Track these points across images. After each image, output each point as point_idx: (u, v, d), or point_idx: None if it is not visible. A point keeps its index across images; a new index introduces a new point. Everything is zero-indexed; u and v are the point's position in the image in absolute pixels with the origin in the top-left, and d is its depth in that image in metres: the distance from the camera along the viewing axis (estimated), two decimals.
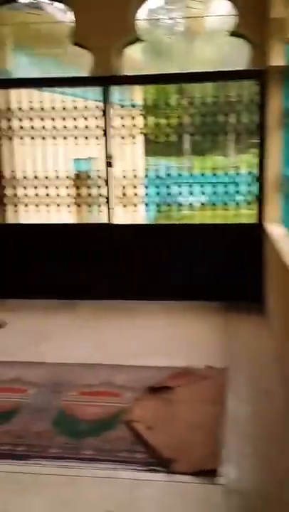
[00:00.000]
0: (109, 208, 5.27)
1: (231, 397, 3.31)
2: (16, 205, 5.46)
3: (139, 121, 5.20)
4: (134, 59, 5.31)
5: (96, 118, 5.17)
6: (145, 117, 5.21)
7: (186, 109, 5.09)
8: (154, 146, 5.59)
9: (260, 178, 5.00)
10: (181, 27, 5.88)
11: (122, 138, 5.20)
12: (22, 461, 2.70)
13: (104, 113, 5.14)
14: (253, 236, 5.00)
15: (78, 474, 2.60)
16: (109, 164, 5.21)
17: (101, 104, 5.15)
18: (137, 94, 5.47)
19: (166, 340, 4.30)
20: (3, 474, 2.61)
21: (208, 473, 2.55)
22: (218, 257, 5.04)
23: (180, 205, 5.31)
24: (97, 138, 5.20)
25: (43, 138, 5.28)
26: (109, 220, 5.30)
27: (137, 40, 5.09)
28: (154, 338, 4.36)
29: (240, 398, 3.31)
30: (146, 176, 5.31)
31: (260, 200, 5.03)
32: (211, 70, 5.23)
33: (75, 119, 5.21)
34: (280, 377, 3.52)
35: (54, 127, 5.26)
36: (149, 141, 5.29)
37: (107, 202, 5.28)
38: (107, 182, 5.26)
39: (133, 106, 5.21)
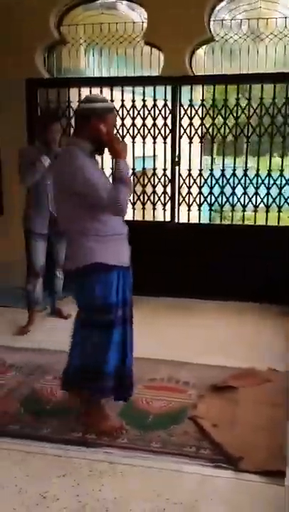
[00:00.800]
0: (173, 207, 5.34)
1: None
2: None
3: (204, 121, 5.25)
4: (200, 59, 5.33)
5: (165, 117, 5.24)
6: (210, 117, 5.23)
7: (250, 109, 5.08)
8: (217, 146, 5.59)
9: None
10: (250, 27, 5.81)
11: (189, 138, 5.25)
12: (92, 449, 2.81)
13: (173, 112, 5.20)
14: None
15: (146, 465, 2.69)
16: (176, 163, 5.28)
17: (169, 104, 5.21)
18: (200, 94, 5.49)
19: (226, 340, 4.33)
20: (70, 460, 2.73)
21: (274, 474, 2.58)
22: (278, 260, 5.01)
23: (242, 205, 5.32)
24: (165, 137, 5.27)
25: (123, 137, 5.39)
26: (172, 218, 5.36)
27: (210, 40, 5.13)
28: (214, 337, 4.40)
29: None
30: (211, 175, 5.33)
31: None
32: (283, 72, 5.18)
33: (144, 118, 5.30)
34: None
35: (123, 125, 5.37)
36: (212, 141, 5.29)
37: (172, 200, 5.35)
38: (172, 181, 5.33)
39: (192, 106, 5.23)
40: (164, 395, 3.39)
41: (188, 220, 5.45)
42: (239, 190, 5.30)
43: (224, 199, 5.34)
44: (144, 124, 5.34)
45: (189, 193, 5.37)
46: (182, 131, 5.28)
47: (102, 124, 2.80)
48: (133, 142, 5.38)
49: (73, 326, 3.06)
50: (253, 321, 4.82)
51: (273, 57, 5.57)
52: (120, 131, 5.38)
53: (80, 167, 2.72)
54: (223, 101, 5.17)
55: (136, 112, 5.34)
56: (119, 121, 5.34)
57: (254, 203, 5.25)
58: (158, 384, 3.55)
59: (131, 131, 5.39)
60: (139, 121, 5.35)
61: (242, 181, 5.26)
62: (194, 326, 4.69)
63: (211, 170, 5.31)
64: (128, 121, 5.37)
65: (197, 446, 2.83)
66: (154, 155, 5.48)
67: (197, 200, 5.39)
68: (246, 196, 5.26)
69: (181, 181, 5.37)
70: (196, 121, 5.23)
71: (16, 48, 5.28)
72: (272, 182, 5.18)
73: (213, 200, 5.35)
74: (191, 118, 5.21)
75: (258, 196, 5.21)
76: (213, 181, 5.32)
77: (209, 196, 5.35)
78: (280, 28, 5.20)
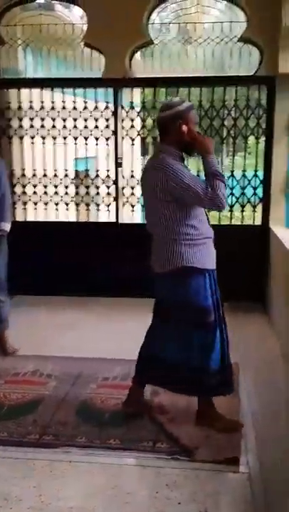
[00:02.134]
0: (117, 208, 5.40)
1: (243, 392, 3.47)
2: (25, 204, 5.57)
3: (138, 122, 5.35)
4: (136, 61, 5.44)
5: (107, 120, 5.30)
6: (144, 119, 5.34)
7: None
8: (151, 148, 5.69)
9: (266, 181, 5.15)
10: (183, 30, 6.01)
11: (132, 139, 5.33)
12: (51, 450, 2.82)
13: (115, 114, 5.26)
14: (256, 238, 5.15)
15: (105, 462, 2.74)
16: (119, 164, 5.34)
17: (111, 106, 5.28)
18: (134, 96, 5.60)
19: None
20: (30, 462, 2.73)
21: (230, 462, 2.70)
22: (222, 259, 5.15)
23: None
24: (107, 139, 5.33)
25: (53, 137, 5.40)
26: (117, 219, 5.42)
27: (148, 43, 5.23)
28: None
29: (251, 392, 3.47)
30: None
31: (265, 202, 5.18)
32: (222, 75, 5.36)
33: (86, 119, 5.34)
34: (288, 372, 3.69)
35: (64, 127, 5.38)
36: (147, 142, 5.39)
37: (116, 201, 5.41)
38: (115, 182, 5.39)
39: (132, 108, 5.33)
40: (119, 392, 3.44)
41: (132, 221, 5.53)
42: None
43: None
44: (86, 126, 5.37)
45: (132, 194, 5.44)
46: (124, 132, 5.35)
47: (188, 124, 2.87)
48: (75, 144, 5.41)
49: (156, 327, 3.18)
50: None
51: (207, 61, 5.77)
52: (61, 132, 5.39)
53: (174, 171, 2.78)
54: (152, 103, 5.27)
55: (78, 114, 5.35)
56: (60, 123, 5.35)
57: None
58: (112, 382, 3.60)
59: (73, 132, 5.39)
60: (80, 123, 5.37)
61: None
62: (148, 324, 4.75)
63: None
64: (70, 123, 5.38)
65: (154, 440, 2.90)
66: (97, 156, 5.53)
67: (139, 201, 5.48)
68: None
69: (124, 182, 5.44)
70: (138, 123, 5.32)
71: None
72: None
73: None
74: (132, 120, 5.28)
75: None
76: None
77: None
78: (212, 32, 5.38)
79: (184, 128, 2.86)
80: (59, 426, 3.04)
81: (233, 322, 4.70)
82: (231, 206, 5.29)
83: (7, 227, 4.04)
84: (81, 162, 5.72)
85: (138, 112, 5.33)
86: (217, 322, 2.99)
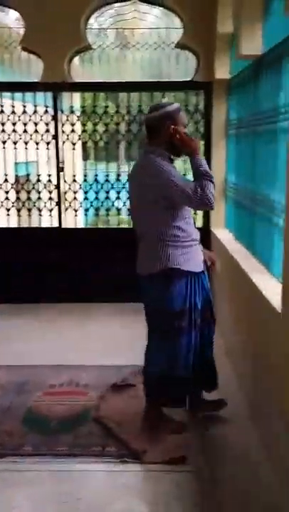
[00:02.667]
0: (60, 212, 5.37)
1: None
2: None
3: (78, 126, 5.34)
4: (75, 66, 5.46)
5: (47, 124, 5.26)
6: (84, 123, 5.34)
7: (122, 116, 5.27)
8: (92, 152, 5.69)
9: None
10: (121, 36, 6.08)
11: (73, 143, 5.31)
12: None
13: (55, 118, 5.23)
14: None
15: (54, 469, 2.71)
16: (61, 169, 5.31)
17: (50, 110, 5.24)
18: (74, 100, 5.60)
19: (126, 341, 4.44)
20: None
21: (177, 461, 2.74)
22: None
23: (118, 209, 5.47)
24: (48, 143, 5.29)
25: None
26: (60, 223, 5.38)
27: (87, 48, 5.23)
28: (113, 338, 4.51)
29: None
30: (85, 180, 5.44)
31: None
32: (160, 80, 5.44)
33: (25, 124, 5.28)
34: (232, 369, 3.78)
35: (3, 131, 5.30)
36: (87, 146, 5.40)
37: (58, 206, 5.37)
38: (58, 186, 5.35)
39: (72, 112, 5.32)
40: (66, 399, 3.43)
41: (76, 225, 5.51)
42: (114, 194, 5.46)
43: (110, 203, 5.46)
44: (25, 130, 5.31)
45: (75, 198, 5.42)
46: (65, 137, 5.32)
47: (177, 125, 2.87)
48: (15, 148, 5.34)
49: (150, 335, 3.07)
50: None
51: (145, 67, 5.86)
52: (0, 136, 5.31)
53: (163, 172, 2.77)
54: (104, 108, 5.29)
55: (17, 118, 5.29)
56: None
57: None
58: (59, 389, 3.57)
59: (12, 137, 5.32)
60: (20, 127, 5.30)
61: (115, 186, 5.41)
62: (92, 330, 4.76)
63: (85, 176, 5.40)
64: (9, 127, 5.30)
65: (102, 445, 2.90)
66: (38, 161, 5.47)
67: (84, 205, 5.46)
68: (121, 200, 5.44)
69: (66, 187, 5.41)
70: (71, 127, 5.32)
71: None
72: None
73: (94, 205, 5.45)
74: (73, 124, 5.27)
75: None
76: (96, 186, 5.42)
77: (86, 201, 5.44)
78: (150, 38, 5.46)
79: (173, 128, 2.87)
80: (5, 436, 2.99)
81: None
82: None
83: None
84: (21, 167, 5.65)
85: (78, 117, 5.32)
86: (191, 327, 2.96)
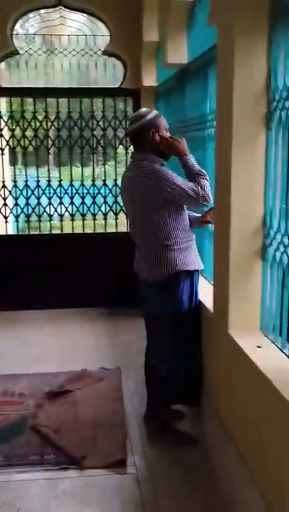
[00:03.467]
0: None
1: (126, 394, 3.56)
2: None
3: (5, 131, 5.27)
4: (1, 71, 5.38)
5: None
6: (11, 128, 5.27)
7: (51, 121, 5.25)
8: (20, 157, 5.62)
9: None
10: (48, 41, 6.08)
11: (0, 149, 5.22)
12: None
13: None
14: (127, 243, 5.28)
15: None
16: None
17: None
18: (1, 105, 5.52)
19: (59, 347, 4.42)
20: None
21: (117, 465, 2.76)
22: (98, 265, 5.23)
23: (49, 215, 5.42)
24: None
25: None
26: None
27: (13, 53, 5.17)
28: (46, 345, 4.47)
29: (133, 394, 3.56)
30: (15, 186, 5.36)
31: None
32: (89, 87, 5.47)
33: None
34: None
35: None
36: (16, 151, 5.33)
37: None
38: None
39: (0, 117, 5.25)
40: (1, 409, 3.36)
41: (6, 232, 5.42)
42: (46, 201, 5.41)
43: (33, 209, 5.39)
44: None
45: (5, 204, 5.33)
46: None
47: (160, 131, 2.88)
48: None
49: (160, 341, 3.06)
50: (81, 325, 4.97)
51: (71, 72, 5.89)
52: None
53: (163, 177, 2.79)
54: (32, 113, 5.25)
55: None
56: None
57: (69, 211, 5.40)
58: None
59: None
60: None
61: (46, 191, 5.38)
62: (26, 337, 4.68)
63: (15, 181, 5.30)
64: None
65: (41, 454, 2.87)
66: None
67: (12, 211, 5.37)
68: (52, 206, 5.40)
69: None
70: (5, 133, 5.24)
71: None
72: (76, 191, 5.37)
73: (19, 211, 5.38)
74: (1, 130, 5.18)
75: (72, 205, 5.39)
76: (27, 192, 5.35)
77: (16, 207, 5.37)
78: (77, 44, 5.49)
79: (157, 136, 2.89)
80: None
81: (115, 328, 4.88)
82: (105, 214, 5.40)
83: None
84: None
85: (6, 122, 5.23)
86: (184, 327, 3.01)
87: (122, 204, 5.27)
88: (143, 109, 3.05)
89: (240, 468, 2.40)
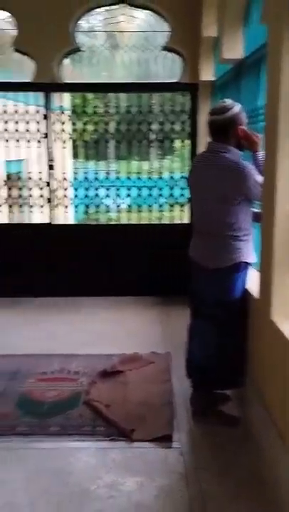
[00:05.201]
0: (51, 209, 5.54)
1: (175, 377, 3.72)
2: None
3: (69, 125, 5.51)
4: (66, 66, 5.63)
5: (38, 122, 5.43)
6: (74, 123, 5.51)
7: (111, 116, 5.46)
8: (81, 150, 5.85)
9: None
10: (111, 38, 6.28)
11: (63, 142, 5.48)
12: None
13: (46, 118, 5.40)
14: (183, 234, 5.42)
15: (47, 447, 2.90)
16: (50, 167, 5.48)
17: (42, 109, 5.42)
18: (65, 100, 5.77)
19: (112, 332, 4.64)
20: None
21: (163, 439, 2.94)
22: (153, 255, 5.41)
23: (107, 207, 5.65)
24: (39, 141, 5.46)
25: None
26: (50, 220, 5.56)
27: (76, 50, 5.41)
28: (101, 329, 4.69)
29: (182, 377, 3.71)
30: (75, 178, 5.61)
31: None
32: (148, 82, 5.63)
33: (16, 122, 5.44)
34: None
35: None
36: (77, 145, 5.57)
37: (49, 203, 5.54)
38: (48, 183, 5.52)
39: (62, 112, 5.50)
40: (57, 385, 3.61)
41: (66, 221, 5.68)
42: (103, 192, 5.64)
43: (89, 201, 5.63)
44: (16, 129, 5.46)
45: (65, 195, 5.60)
46: (55, 135, 5.49)
47: (242, 125, 3.00)
48: (6, 146, 5.50)
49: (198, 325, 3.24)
50: (135, 312, 5.18)
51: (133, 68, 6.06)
52: None
53: (249, 173, 2.89)
54: (94, 108, 5.47)
55: (8, 117, 5.45)
56: None
57: (126, 203, 5.61)
58: (50, 376, 3.75)
59: (4, 135, 5.47)
60: (11, 126, 5.46)
61: (105, 183, 5.59)
62: (83, 321, 4.94)
63: (75, 173, 5.55)
64: (0, 126, 5.46)
65: (93, 426, 3.09)
66: (28, 159, 5.64)
67: (74, 202, 5.63)
68: (110, 198, 5.61)
69: (56, 184, 5.58)
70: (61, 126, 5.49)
71: None
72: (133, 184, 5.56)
73: (83, 202, 5.62)
74: (63, 123, 5.44)
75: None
76: (77, 184, 5.58)
77: (76, 198, 5.62)
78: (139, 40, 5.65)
79: (241, 129, 3.00)
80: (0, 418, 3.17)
81: (168, 315, 5.04)
82: (160, 206, 5.57)
83: None
84: (12, 164, 5.80)
85: (69, 116, 5.49)
86: (232, 315, 3.12)
87: (180, 195, 5.46)
88: (228, 101, 3.07)
89: (280, 449, 2.51)
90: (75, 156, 5.65)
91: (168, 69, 5.92)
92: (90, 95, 5.76)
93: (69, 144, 5.59)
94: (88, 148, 5.68)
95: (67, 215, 5.66)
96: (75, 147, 5.65)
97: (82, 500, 2.49)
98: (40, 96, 5.40)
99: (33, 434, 3.01)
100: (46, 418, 3.17)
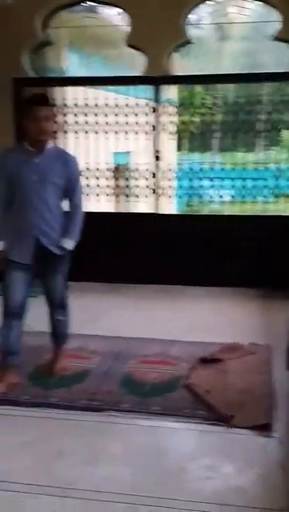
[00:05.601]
0: (157, 199, 5.68)
1: (275, 369, 3.69)
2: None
3: (175, 118, 5.58)
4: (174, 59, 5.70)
5: (146, 114, 5.57)
6: (181, 114, 5.57)
7: (219, 107, 5.45)
8: (186, 142, 5.91)
9: None
10: (220, 29, 6.26)
11: (170, 134, 5.59)
12: (98, 413, 3.12)
13: (155, 110, 5.53)
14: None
15: (148, 425, 3.01)
16: (157, 158, 5.61)
17: (151, 102, 5.55)
18: (172, 92, 5.84)
19: (212, 321, 4.67)
20: (79, 423, 3.04)
21: (263, 428, 2.94)
22: (257, 247, 5.37)
23: (210, 197, 5.67)
24: (146, 133, 5.60)
25: (96, 132, 5.69)
26: (156, 209, 5.70)
27: (187, 43, 5.48)
28: (200, 318, 4.75)
29: (283, 370, 3.68)
30: (180, 169, 5.67)
31: None
32: (258, 72, 5.56)
33: (126, 115, 5.62)
34: None
35: (106, 123, 5.67)
36: (182, 136, 5.62)
37: (154, 193, 5.68)
38: (154, 174, 5.65)
39: (170, 104, 5.58)
40: (158, 367, 3.72)
41: (170, 211, 5.79)
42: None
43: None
44: (126, 122, 5.64)
45: (170, 186, 5.70)
46: (162, 128, 5.60)
47: None
48: (116, 138, 5.69)
49: None
50: (236, 303, 5.19)
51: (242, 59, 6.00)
52: (104, 128, 5.68)
53: None
54: (188, 99, 5.52)
55: (119, 110, 5.64)
56: (103, 119, 5.64)
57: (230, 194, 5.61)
58: (152, 359, 3.87)
59: (114, 127, 5.67)
60: (121, 119, 5.65)
61: (209, 175, 5.61)
62: (183, 309, 5.03)
63: (180, 165, 5.64)
64: (112, 119, 5.66)
65: (192, 408, 3.16)
66: (134, 151, 5.81)
67: (177, 193, 5.72)
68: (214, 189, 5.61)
69: (161, 175, 5.69)
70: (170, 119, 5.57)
71: (3, 49, 5.49)
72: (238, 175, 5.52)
73: (187, 193, 5.69)
74: (170, 116, 5.54)
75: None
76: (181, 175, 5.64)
77: (181, 189, 5.69)
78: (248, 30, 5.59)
79: None
80: (105, 394, 3.33)
81: (269, 308, 5.00)
82: (265, 197, 5.52)
83: (69, 245, 3.45)
84: (120, 156, 6.00)
85: (177, 108, 5.57)
86: None
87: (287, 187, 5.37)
88: None
89: None
90: (180, 147, 5.73)
91: (277, 59, 5.81)
92: (197, 87, 5.81)
93: (175, 136, 5.68)
94: (193, 139, 5.74)
95: (170, 206, 5.76)
96: (180, 139, 5.72)
97: (181, 478, 2.57)
98: (149, 89, 5.53)
99: (135, 411, 3.13)
100: (147, 398, 3.28)
